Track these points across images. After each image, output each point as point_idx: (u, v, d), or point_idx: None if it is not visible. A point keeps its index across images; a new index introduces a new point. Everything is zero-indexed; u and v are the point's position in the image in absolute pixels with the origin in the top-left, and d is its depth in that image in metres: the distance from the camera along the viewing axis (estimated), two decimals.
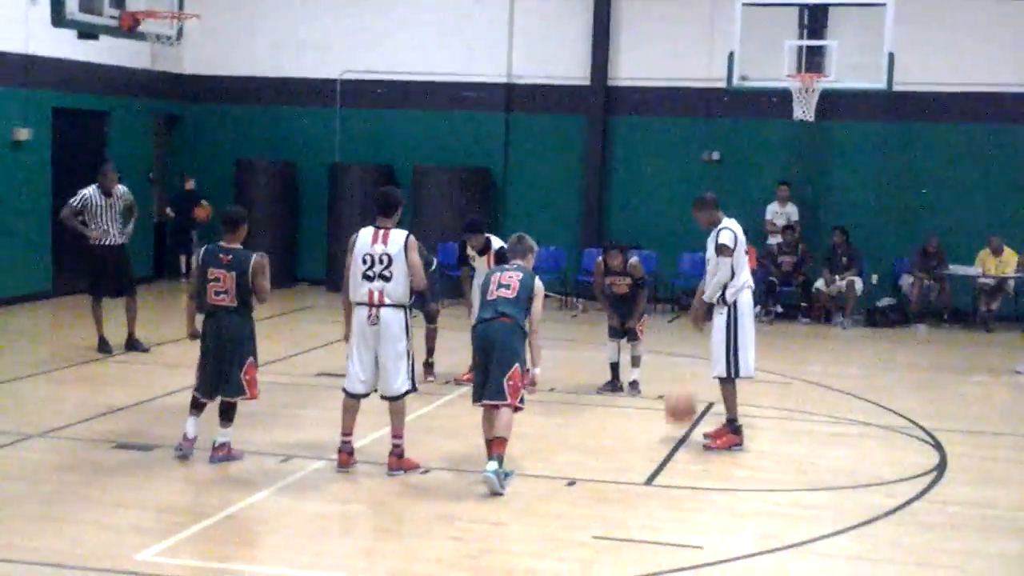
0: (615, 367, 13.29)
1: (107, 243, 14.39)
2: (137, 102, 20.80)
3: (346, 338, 9.82)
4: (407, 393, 9.71)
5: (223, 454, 9.88)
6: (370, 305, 9.54)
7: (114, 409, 11.64)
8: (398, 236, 9.64)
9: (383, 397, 9.75)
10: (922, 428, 11.90)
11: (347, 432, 9.81)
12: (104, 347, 14.44)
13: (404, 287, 9.61)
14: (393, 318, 9.58)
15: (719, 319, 10.75)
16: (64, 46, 17.02)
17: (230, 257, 9.76)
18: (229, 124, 22.12)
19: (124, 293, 14.60)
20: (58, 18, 12.68)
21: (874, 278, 19.80)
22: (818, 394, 13.63)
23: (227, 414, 9.92)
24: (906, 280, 19.35)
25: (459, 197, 20.31)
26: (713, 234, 10.80)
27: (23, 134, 18.08)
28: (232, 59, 21.96)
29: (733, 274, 10.66)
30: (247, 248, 9.92)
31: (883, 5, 17.08)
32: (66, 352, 14.56)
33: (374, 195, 10.17)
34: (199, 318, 10.01)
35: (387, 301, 9.54)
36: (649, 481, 9.88)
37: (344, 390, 9.81)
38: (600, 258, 13.31)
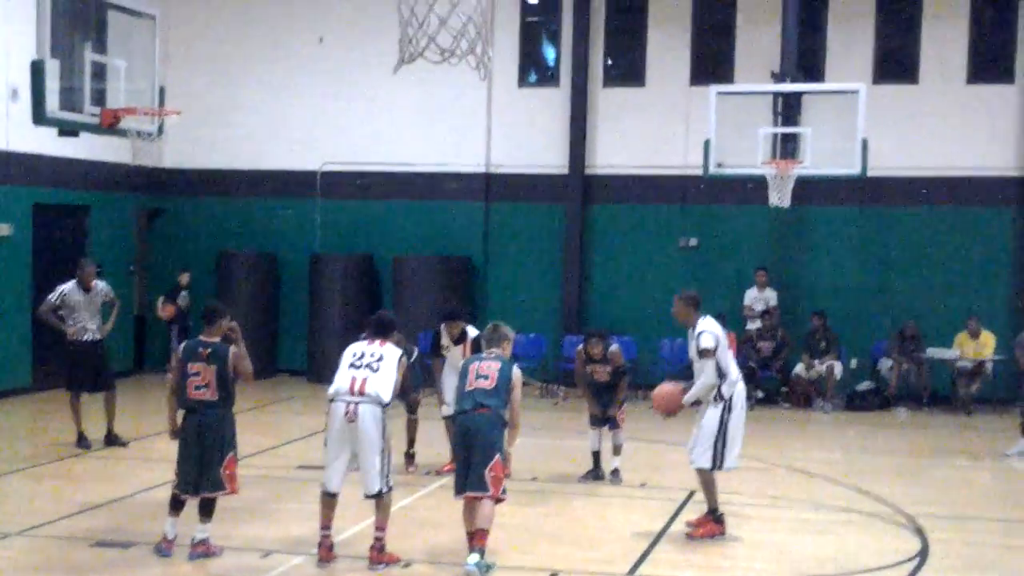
0: (597, 456, 13.26)
1: (85, 339, 14.39)
2: (118, 196, 20.89)
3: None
4: (380, 493, 9.63)
5: (202, 550, 9.81)
6: (351, 393, 9.51)
7: (93, 506, 11.55)
8: (393, 348, 9.82)
9: (366, 496, 9.71)
10: (904, 514, 11.90)
11: (326, 526, 9.76)
12: (83, 442, 14.36)
13: (388, 386, 9.60)
14: (370, 415, 9.53)
15: (712, 411, 10.73)
16: (45, 142, 17.11)
17: (209, 351, 9.79)
18: (210, 216, 22.22)
19: (102, 388, 14.56)
20: (39, 116, 12.70)
21: (853, 362, 19.88)
22: (799, 480, 13.62)
23: (207, 509, 9.87)
24: (885, 364, 19.43)
25: (439, 286, 20.38)
26: (693, 336, 10.82)
27: (4, 229, 18.15)
28: (212, 152, 22.12)
29: (722, 373, 10.69)
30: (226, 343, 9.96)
31: (856, 92, 17.34)
32: (45, 448, 14.48)
33: (371, 319, 10.28)
34: (179, 414, 10.00)
35: (368, 391, 9.49)
36: (632, 571, 9.83)
37: (322, 488, 9.76)
38: (581, 347, 13.34)
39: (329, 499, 9.73)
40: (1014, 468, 14.96)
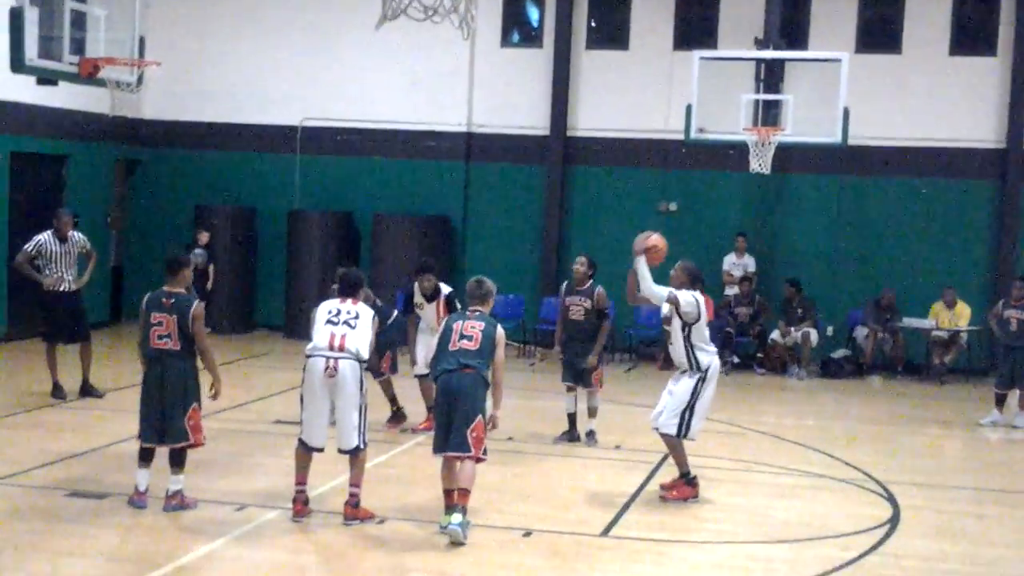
0: (572, 417, 13.29)
1: (62, 289, 14.31)
2: (96, 146, 20.74)
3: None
4: (357, 449, 9.66)
5: (176, 502, 9.80)
6: (331, 349, 9.55)
7: (68, 456, 11.53)
8: (365, 307, 9.88)
9: (340, 451, 9.73)
10: (876, 480, 11.99)
11: (301, 481, 9.77)
12: (58, 393, 14.32)
13: (366, 342, 9.68)
14: (350, 370, 9.57)
15: (687, 381, 10.78)
16: (23, 91, 16.96)
17: (172, 301, 9.77)
18: (189, 169, 22.09)
19: (78, 339, 14.51)
20: (17, 64, 12.61)
21: (829, 330, 19.95)
22: (773, 445, 13.70)
23: (176, 460, 9.86)
24: (860, 332, 19.52)
25: (418, 245, 20.33)
26: (672, 296, 10.75)
27: None
28: (193, 105, 21.96)
29: (702, 344, 10.72)
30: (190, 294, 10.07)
31: (838, 61, 17.33)
32: (20, 398, 14.42)
33: (337, 275, 10.31)
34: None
35: (348, 347, 9.55)
36: (605, 532, 9.88)
37: (301, 441, 9.77)
38: (565, 284, 13.42)
39: (307, 454, 9.73)
40: (986, 437, 15.09)
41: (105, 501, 10.05)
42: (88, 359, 14.56)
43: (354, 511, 9.71)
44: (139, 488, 9.87)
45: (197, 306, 9.83)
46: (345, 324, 9.65)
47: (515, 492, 11.06)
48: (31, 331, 16.86)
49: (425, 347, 12.57)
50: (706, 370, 10.75)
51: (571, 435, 13.25)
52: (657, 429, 10.94)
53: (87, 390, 14.52)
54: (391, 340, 13.30)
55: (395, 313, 13.64)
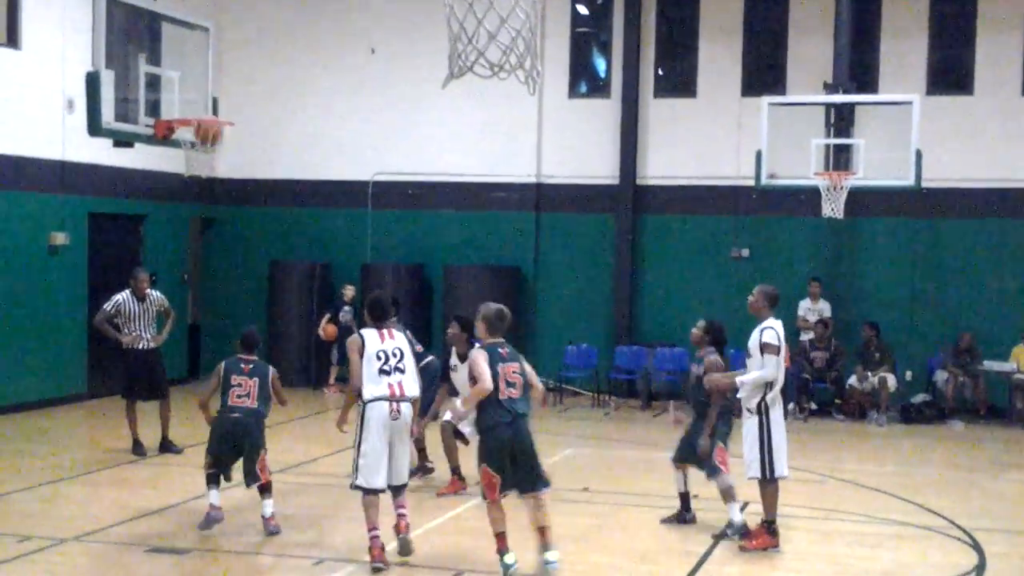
0: (684, 497, 11.70)
1: (140, 347, 14.54)
2: (172, 206, 21.09)
3: (339, 425, 10.30)
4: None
5: (274, 524, 10.84)
6: (391, 399, 9.80)
7: (148, 512, 11.64)
8: (399, 332, 10.22)
9: (396, 486, 10.04)
10: (960, 527, 11.75)
11: (376, 527, 9.88)
12: (138, 449, 14.50)
13: (416, 379, 10.05)
14: (408, 412, 9.94)
15: (751, 422, 10.70)
16: (100, 152, 17.31)
17: (251, 367, 11.21)
18: (263, 226, 22.38)
19: (157, 396, 14.71)
20: (94, 127, 12.87)
21: (908, 374, 19.68)
22: (853, 493, 13.49)
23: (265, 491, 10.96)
24: (940, 376, 19.23)
25: (489, 296, 20.32)
26: (756, 331, 10.78)
27: (60, 239, 18.35)
28: (265, 162, 22.28)
29: (771, 380, 10.61)
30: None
31: (909, 103, 17.22)
32: (101, 455, 14.61)
33: (368, 300, 10.51)
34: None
35: (406, 394, 9.89)
36: None
37: (366, 488, 9.87)
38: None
39: (375, 498, 9.89)
40: None
41: (185, 556, 10.12)
42: (167, 415, 14.74)
43: (408, 525, 10.10)
44: (214, 504, 10.87)
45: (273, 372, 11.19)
46: (396, 371, 9.97)
47: (591, 543, 10.98)
48: (111, 389, 17.11)
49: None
50: (767, 408, 10.64)
51: (684, 517, 11.63)
52: (747, 476, 10.83)
53: (166, 446, 14.68)
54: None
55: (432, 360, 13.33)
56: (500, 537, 9.61)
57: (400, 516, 10.05)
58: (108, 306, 14.59)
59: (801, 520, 11.88)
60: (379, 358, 9.86)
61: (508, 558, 9.52)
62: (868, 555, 10.85)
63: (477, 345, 10.09)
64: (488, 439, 9.61)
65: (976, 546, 11.07)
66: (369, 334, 10.01)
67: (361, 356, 9.88)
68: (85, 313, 18.35)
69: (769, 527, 10.79)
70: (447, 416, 12.65)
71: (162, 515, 11.60)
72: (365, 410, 9.82)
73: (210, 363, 21.61)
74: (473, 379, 9.59)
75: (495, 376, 9.50)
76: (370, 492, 9.85)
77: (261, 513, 10.83)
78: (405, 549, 10.00)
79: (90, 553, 10.28)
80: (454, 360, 12.45)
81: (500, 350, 9.67)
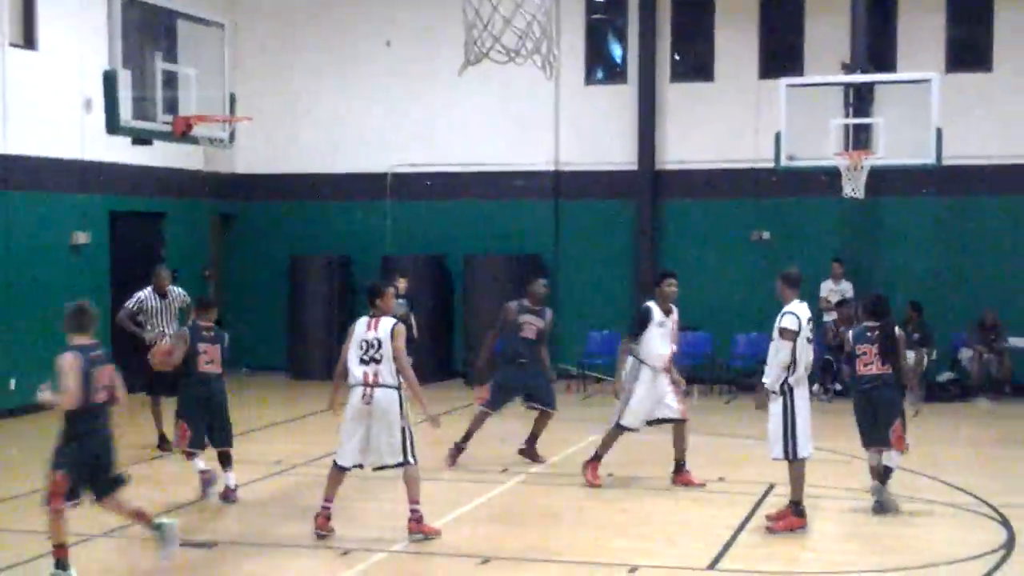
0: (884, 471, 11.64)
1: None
2: (192, 202, 21.15)
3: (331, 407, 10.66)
4: (399, 465, 10.24)
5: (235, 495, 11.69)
6: (365, 385, 10.17)
7: (174, 506, 11.67)
8: (386, 323, 10.38)
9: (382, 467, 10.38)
10: (989, 504, 11.70)
11: (329, 498, 10.41)
12: (164, 445, 14.54)
13: (393, 369, 10.26)
14: (384, 397, 10.16)
15: (775, 404, 10.69)
16: (119, 151, 17.35)
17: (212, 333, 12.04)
18: (282, 221, 22.42)
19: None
20: (112, 125, 12.88)
21: (933, 353, 19.59)
22: None
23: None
24: (965, 354, 19.14)
25: (510, 285, 20.36)
26: (779, 316, 10.78)
27: (81, 238, 18.42)
28: (283, 157, 22.31)
29: (795, 360, 10.61)
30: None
31: (928, 81, 17.12)
32: (126, 451, 14.42)
33: (365, 287, 11.00)
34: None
35: (380, 381, 10.17)
36: (712, 566, 9.76)
37: (337, 464, 10.39)
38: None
39: (340, 474, 10.50)
40: None
41: (213, 550, 10.15)
42: None
43: (418, 526, 10.17)
44: (203, 468, 12.00)
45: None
46: (373, 361, 10.32)
47: (618, 528, 10.98)
48: (135, 385, 17.11)
49: (649, 390, 12.47)
50: (791, 389, 10.66)
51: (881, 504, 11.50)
52: (771, 456, 10.84)
53: None
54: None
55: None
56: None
57: (411, 512, 10.24)
58: (130, 303, 14.65)
59: (828, 500, 11.84)
60: (361, 347, 10.27)
61: None
62: (896, 534, 10.81)
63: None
64: None
65: (1005, 523, 11.02)
66: (360, 323, 10.43)
67: (349, 340, 10.42)
68: (108, 311, 18.37)
69: (796, 508, 10.77)
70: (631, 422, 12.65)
71: (188, 509, 11.65)
72: (349, 394, 10.31)
73: (232, 359, 21.80)
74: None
75: None
76: (338, 468, 10.40)
77: (225, 484, 11.68)
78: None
79: (119, 548, 10.33)
80: (659, 315, 12.58)
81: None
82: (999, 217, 19.85)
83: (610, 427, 12.68)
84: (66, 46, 18.07)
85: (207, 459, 12.07)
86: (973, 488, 12.38)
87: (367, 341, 10.28)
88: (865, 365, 11.49)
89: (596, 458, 12.61)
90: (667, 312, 12.63)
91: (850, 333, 11.87)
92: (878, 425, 11.48)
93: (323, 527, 10.37)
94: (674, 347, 12.70)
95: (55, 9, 18.03)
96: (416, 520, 10.21)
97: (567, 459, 13.88)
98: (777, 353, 10.67)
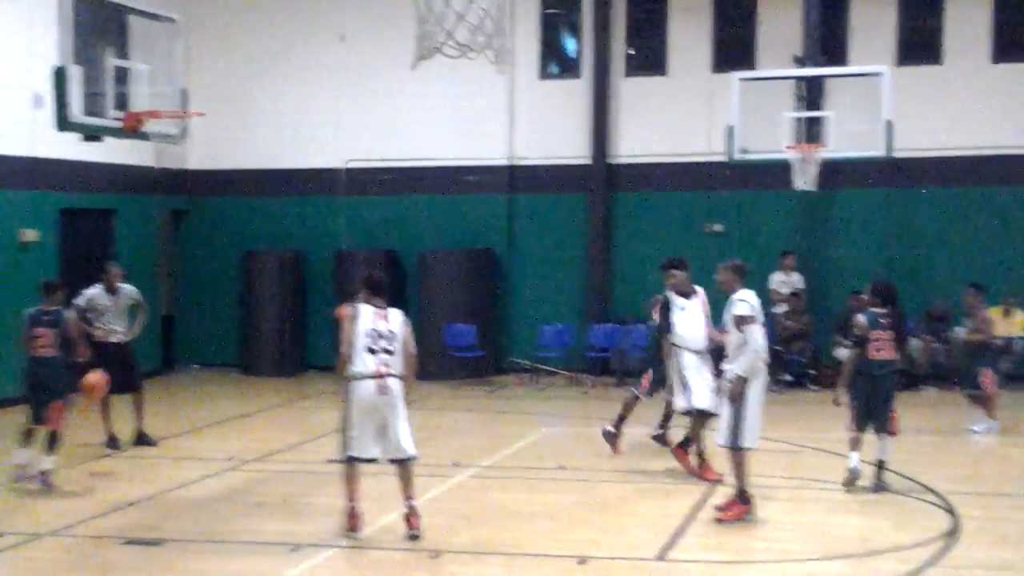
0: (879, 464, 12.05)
1: (112, 341, 14.47)
2: (143, 199, 21.00)
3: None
4: (410, 459, 10.12)
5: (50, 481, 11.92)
6: (380, 376, 9.88)
7: (123, 505, 11.60)
8: (396, 315, 10.22)
9: (395, 460, 10.11)
10: (934, 492, 11.82)
11: (352, 498, 10.16)
12: (113, 443, 14.45)
13: (403, 360, 10.12)
14: (398, 388, 10.03)
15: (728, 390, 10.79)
16: (69, 147, 17.20)
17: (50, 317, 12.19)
18: (235, 217, 22.32)
19: (131, 389, 14.62)
20: (63, 121, 12.80)
21: None
22: (828, 461, 13.50)
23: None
24: (915, 344, 19.29)
25: (464, 279, 20.42)
26: (729, 305, 10.83)
27: (31, 235, 18.25)
28: (236, 152, 22.21)
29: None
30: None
31: (879, 75, 17.25)
32: (75, 449, 14.53)
33: (362, 277, 10.57)
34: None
35: (394, 372, 9.98)
36: (661, 557, 9.80)
37: (359, 458, 10.06)
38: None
39: (358, 468, 10.17)
40: None
41: (161, 548, 10.10)
42: (141, 408, 14.68)
43: (420, 520, 10.08)
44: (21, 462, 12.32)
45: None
46: (385, 352, 10.08)
47: (568, 519, 11.00)
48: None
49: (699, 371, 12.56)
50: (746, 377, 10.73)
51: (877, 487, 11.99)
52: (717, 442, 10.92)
53: (141, 439, 14.63)
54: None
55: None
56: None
57: (410, 508, 10.11)
58: (79, 300, 14.51)
59: (777, 490, 11.91)
60: (369, 336, 10.00)
61: None
62: (844, 522, 10.91)
63: None
64: None
65: (950, 509, 11.14)
66: (365, 310, 10.14)
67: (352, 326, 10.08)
68: None
69: (742, 496, 10.84)
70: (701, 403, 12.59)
71: (138, 507, 11.57)
72: (351, 388, 9.97)
73: (184, 356, 21.77)
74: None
75: None
76: (360, 462, 10.08)
77: (40, 468, 11.93)
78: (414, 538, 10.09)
79: (66, 547, 10.24)
80: (680, 300, 12.76)
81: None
82: (949, 209, 20.05)
83: (691, 418, 12.58)
84: (16, 41, 17.88)
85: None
86: (919, 476, 12.49)
87: (379, 332, 10.04)
88: (877, 351, 11.86)
89: (690, 450, 12.50)
90: (686, 295, 12.78)
91: (863, 319, 12.06)
92: (880, 409, 11.87)
93: (356, 527, 10.14)
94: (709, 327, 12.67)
95: (4, 4, 17.85)
96: (417, 515, 10.11)
97: (518, 453, 13.90)
98: (745, 341, 10.68)
